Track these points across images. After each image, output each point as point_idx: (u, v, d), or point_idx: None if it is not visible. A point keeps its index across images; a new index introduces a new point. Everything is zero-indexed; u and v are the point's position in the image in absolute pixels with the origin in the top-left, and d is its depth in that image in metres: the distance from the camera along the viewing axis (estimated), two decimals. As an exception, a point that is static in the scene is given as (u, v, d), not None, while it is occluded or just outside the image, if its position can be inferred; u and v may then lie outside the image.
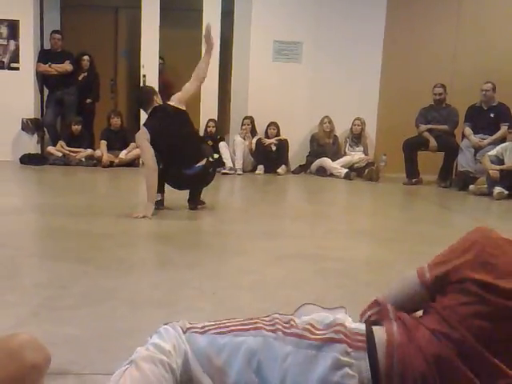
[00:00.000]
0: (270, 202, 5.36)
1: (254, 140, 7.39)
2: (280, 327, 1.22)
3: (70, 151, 7.31)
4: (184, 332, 1.25)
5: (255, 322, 1.25)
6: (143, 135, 4.04)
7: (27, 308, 2.05)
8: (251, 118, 7.44)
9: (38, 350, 1.19)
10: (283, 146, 7.37)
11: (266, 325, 1.24)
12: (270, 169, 7.27)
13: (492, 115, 6.56)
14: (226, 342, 1.21)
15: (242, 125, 7.43)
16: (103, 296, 2.21)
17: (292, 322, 1.23)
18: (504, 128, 6.38)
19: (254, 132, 7.47)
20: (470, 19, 7.52)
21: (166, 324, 1.28)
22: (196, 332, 1.25)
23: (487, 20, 7.47)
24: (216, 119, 7.60)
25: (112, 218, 3.91)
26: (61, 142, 7.38)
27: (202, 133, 7.31)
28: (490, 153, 6.04)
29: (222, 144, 7.26)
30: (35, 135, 7.60)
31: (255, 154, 7.38)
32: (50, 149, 7.35)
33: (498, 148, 6.05)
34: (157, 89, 7.62)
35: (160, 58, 7.84)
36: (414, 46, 7.62)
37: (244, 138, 7.33)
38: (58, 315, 1.98)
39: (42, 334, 1.64)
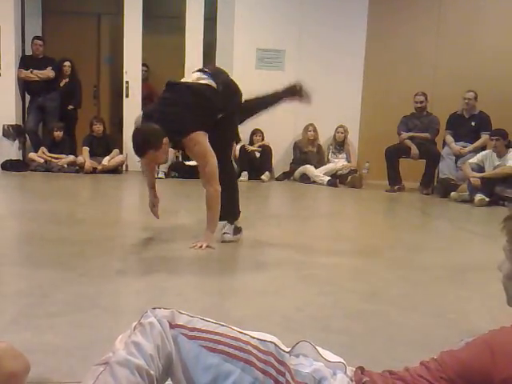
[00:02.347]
0: (253, 208, 5.35)
1: (238, 147, 7.40)
2: (273, 372, 1.16)
3: (51, 157, 7.25)
4: (171, 327, 1.19)
5: (248, 352, 1.17)
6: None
7: (7, 316, 2.02)
8: (234, 125, 7.44)
9: (16, 358, 1.18)
10: (267, 152, 7.39)
11: (259, 360, 1.17)
12: (254, 175, 7.27)
13: (473, 123, 6.65)
14: (213, 363, 1.16)
15: (226, 131, 7.43)
16: (84, 304, 2.19)
17: (287, 369, 1.16)
18: (485, 136, 6.46)
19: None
20: (450, 28, 7.62)
21: (154, 308, 1.23)
22: (184, 334, 1.19)
23: (467, 29, 7.58)
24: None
25: (94, 225, 3.87)
26: (42, 149, 7.31)
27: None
28: (470, 160, 6.12)
29: (205, 151, 7.24)
30: (17, 141, 7.53)
31: (239, 161, 7.38)
32: (32, 155, 7.28)
33: (479, 156, 6.13)
34: (140, 96, 7.71)
35: (144, 65, 7.83)
36: (395, 55, 7.69)
37: (227, 145, 7.32)
38: (39, 323, 1.95)
39: (23, 343, 1.61)
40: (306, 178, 7.28)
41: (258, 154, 7.35)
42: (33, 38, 7.56)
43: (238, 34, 7.48)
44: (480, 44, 7.52)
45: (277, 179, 7.49)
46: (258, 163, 7.36)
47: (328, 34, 7.56)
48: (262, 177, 7.23)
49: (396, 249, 3.61)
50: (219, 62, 7.76)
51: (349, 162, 7.52)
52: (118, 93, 8.19)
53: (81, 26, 8.55)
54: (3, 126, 7.39)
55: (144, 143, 3.03)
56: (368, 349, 1.86)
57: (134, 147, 3.08)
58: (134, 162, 7.62)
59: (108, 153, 7.35)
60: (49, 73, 7.48)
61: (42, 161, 7.20)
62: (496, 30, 7.48)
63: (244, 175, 7.27)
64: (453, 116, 6.80)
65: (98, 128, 7.43)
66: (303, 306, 2.31)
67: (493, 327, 1.15)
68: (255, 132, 7.46)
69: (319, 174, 7.23)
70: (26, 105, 7.71)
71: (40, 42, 7.54)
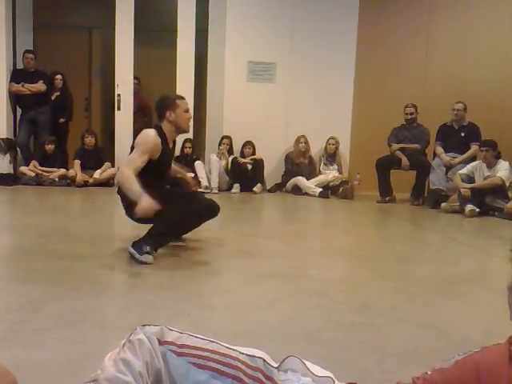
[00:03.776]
0: (245, 220, 5.36)
1: (230, 159, 7.41)
2: None
3: (43, 171, 7.22)
4: (160, 343, 1.19)
5: (237, 368, 1.19)
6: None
7: (-4, 332, 2.00)
8: (230, 138, 7.46)
9: (3, 375, 1.17)
10: (259, 165, 7.41)
11: (247, 376, 1.18)
12: (246, 187, 7.28)
13: (463, 134, 6.70)
14: (201, 379, 1.17)
15: (221, 144, 7.45)
16: (74, 319, 2.17)
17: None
18: (474, 147, 6.51)
19: (230, 151, 7.50)
20: (438, 41, 7.71)
21: (144, 325, 1.23)
22: (172, 351, 1.19)
23: (456, 42, 7.66)
24: (191, 138, 7.61)
25: (84, 240, 3.86)
26: (34, 162, 7.29)
27: (178, 153, 7.30)
28: (460, 171, 6.16)
29: (197, 163, 7.26)
30: (8, 155, 7.51)
31: (231, 173, 7.39)
32: (23, 169, 7.26)
33: (469, 166, 6.17)
34: (132, 108, 7.73)
35: (135, 78, 7.84)
36: (385, 67, 7.76)
37: (220, 158, 7.34)
38: (28, 339, 1.94)
39: (12, 359, 1.60)
40: (297, 190, 7.29)
41: (249, 166, 7.37)
42: (24, 51, 7.57)
43: (230, 46, 7.53)
44: (470, 55, 7.60)
45: (269, 191, 7.50)
46: (249, 175, 7.38)
47: (318, 46, 7.62)
48: (254, 189, 7.24)
49: (387, 260, 3.62)
50: (210, 75, 7.81)
51: (340, 173, 7.55)
52: (109, 105, 8.20)
53: (72, 40, 8.58)
54: (-6, 139, 7.37)
55: (158, 106, 3.48)
56: (359, 361, 1.85)
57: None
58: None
59: (99, 166, 7.33)
60: (40, 86, 7.48)
61: (33, 174, 7.18)
62: (486, 41, 7.56)
63: (236, 187, 7.28)
64: (442, 127, 6.85)
65: (90, 141, 7.43)
66: (295, 319, 2.30)
67: (484, 338, 1.15)
68: (246, 144, 7.47)
69: (311, 185, 7.25)
70: (17, 118, 7.70)
71: (31, 55, 7.55)
